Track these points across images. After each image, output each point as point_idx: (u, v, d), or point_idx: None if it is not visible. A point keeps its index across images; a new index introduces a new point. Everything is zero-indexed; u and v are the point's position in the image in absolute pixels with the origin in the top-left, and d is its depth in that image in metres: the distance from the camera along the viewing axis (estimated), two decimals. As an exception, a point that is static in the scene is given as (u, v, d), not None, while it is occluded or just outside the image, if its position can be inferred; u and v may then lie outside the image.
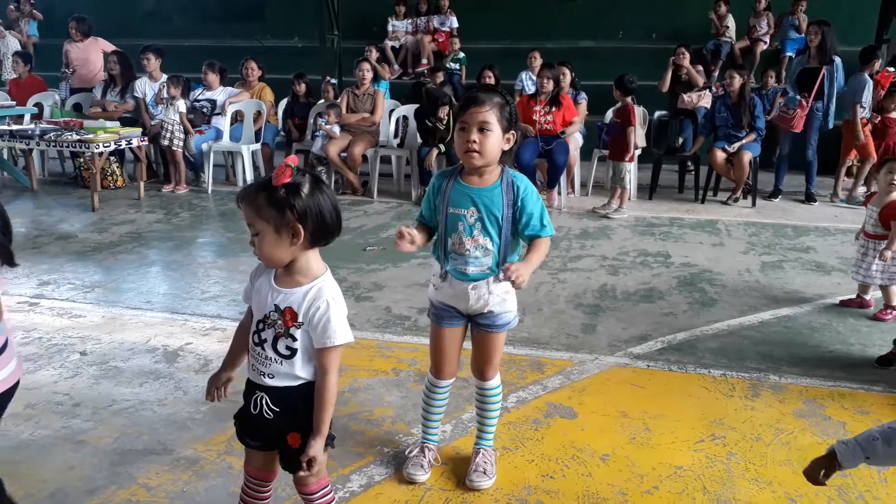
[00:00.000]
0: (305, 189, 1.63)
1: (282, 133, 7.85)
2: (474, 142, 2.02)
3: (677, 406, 2.90)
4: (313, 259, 1.71)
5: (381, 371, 3.17)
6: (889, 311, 3.89)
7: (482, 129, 2.02)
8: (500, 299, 2.18)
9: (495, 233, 2.11)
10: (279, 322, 1.68)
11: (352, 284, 4.35)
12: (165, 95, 7.12)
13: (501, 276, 2.08)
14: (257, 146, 7.38)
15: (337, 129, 6.97)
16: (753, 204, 6.78)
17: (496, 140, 2.04)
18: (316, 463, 1.70)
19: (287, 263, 1.70)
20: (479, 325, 2.25)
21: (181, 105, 7.05)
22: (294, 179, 1.62)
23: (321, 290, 1.67)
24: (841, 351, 3.48)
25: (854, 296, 4.10)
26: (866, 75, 6.71)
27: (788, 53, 8.97)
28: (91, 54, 8.09)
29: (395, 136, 7.59)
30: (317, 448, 1.70)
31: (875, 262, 3.79)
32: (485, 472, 2.35)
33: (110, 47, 8.05)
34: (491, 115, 2.02)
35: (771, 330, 3.73)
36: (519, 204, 2.10)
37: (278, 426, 1.74)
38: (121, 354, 3.33)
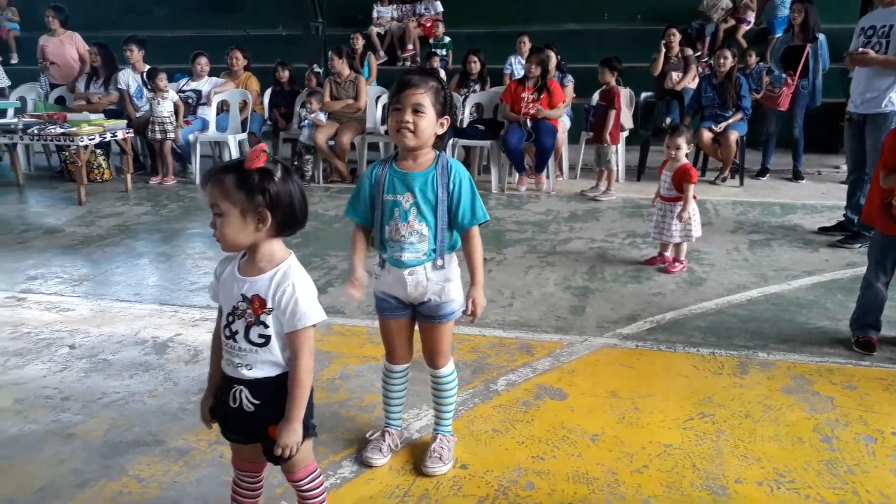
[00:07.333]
0: (278, 175, 1.62)
1: (268, 122, 7.80)
2: (408, 121, 2.03)
3: (666, 385, 2.92)
4: (277, 246, 1.69)
5: (372, 357, 3.17)
6: (677, 263, 4.35)
7: (416, 110, 2.03)
8: (440, 287, 2.18)
9: (431, 217, 2.11)
10: (248, 311, 1.66)
11: (342, 272, 4.35)
12: (150, 94, 7.05)
13: (439, 262, 2.13)
14: (244, 136, 7.33)
15: (323, 116, 6.93)
16: (741, 183, 6.80)
17: (430, 122, 2.05)
18: (290, 450, 1.68)
19: (251, 251, 1.68)
20: (423, 315, 2.25)
21: (173, 95, 7.01)
22: (267, 165, 1.61)
23: (286, 274, 1.66)
24: (829, 327, 3.50)
25: (656, 254, 4.51)
26: None
27: (777, 34, 8.94)
28: (67, 49, 7.97)
29: (383, 122, 7.56)
30: (289, 435, 1.68)
31: (674, 223, 4.24)
32: (440, 458, 2.35)
33: (85, 48, 7.92)
34: (425, 98, 2.03)
35: (759, 307, 3.75)
36: (452, 187, 2.10)
37: (259, 419, 1.71)
38: (110, 347, 3.32)
